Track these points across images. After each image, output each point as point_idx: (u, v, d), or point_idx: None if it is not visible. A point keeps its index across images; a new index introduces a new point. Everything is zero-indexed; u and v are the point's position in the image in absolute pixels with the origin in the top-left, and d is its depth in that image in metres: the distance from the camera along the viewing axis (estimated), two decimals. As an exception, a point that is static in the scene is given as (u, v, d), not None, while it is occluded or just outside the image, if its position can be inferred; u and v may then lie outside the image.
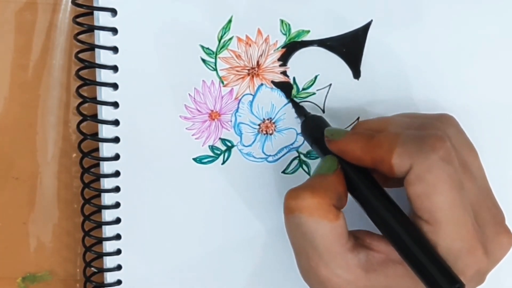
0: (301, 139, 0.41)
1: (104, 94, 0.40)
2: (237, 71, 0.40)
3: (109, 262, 0.42)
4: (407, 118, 0.36)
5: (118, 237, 0.42)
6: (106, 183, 0.41)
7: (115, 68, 0.39)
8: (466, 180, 0.34)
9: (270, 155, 0.42)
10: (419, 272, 0.33)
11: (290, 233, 0.35)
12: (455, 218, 0.32)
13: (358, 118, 0.41)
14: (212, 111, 0.41)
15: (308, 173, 0.42)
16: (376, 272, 0.34)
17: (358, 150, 0.35)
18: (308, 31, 0.40)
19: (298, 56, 0.40)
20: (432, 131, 0.34)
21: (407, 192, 0.33)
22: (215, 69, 0.40)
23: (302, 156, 0.42)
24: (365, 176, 0.36)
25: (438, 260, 0.33)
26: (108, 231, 0.42)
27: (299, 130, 0.41)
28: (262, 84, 0.41)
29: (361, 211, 0.35)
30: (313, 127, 0.39)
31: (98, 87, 0.40)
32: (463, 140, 0.36)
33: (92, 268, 0.42)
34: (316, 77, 0.41)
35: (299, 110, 0.41)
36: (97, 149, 0.41)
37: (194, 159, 0.41)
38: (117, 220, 0.41)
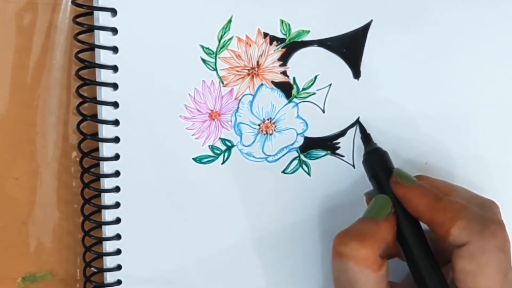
0: (300, 139, 0.41)
1: (104, 94, 0.40)
2: (237, 71, 0.40)
3: (109, 262, 0.42)
4: (468, 193, 0.38)
5: (118, 237, 0.42)
6: (106, 183, 0.41)
7: (115, 68, 0.39)
8: (509, 269, 0.35)
9: (270, 155, 0.42)
10: None
11: (335, 274, 0.37)
12: None
13: (358, 118, 0.41)
14: (212, 111, 0.41)
15: (308, 173, 0.42)
16: None
17: (422, 204, 0.36)
18: (308, 31, 0.40)
19: (298, 56, 0.40)
20: (495, 216, 0.36)
21: (453, 262, 0.35)
22: (215, 69, 0.40)
23: (302, 156, 0.42)
24: (416, 228, 0.37)
25: None
26: (108, 231, 0.42)
27: (299, 131, 0.41)
28: (262, 84, 0.41)
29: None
30: (377, 161, 0.39)
31: (98, 87, 0.40)
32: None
33: (92, 268, 0.42)
34: (316, 77, 0.41)
35: (367, 139, 0.41)
36: (97, 149, 0.41)
37: (194, 159, 0.41)
38: (117, 220, 0.41)
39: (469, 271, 0.34)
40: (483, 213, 0.36)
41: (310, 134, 0.41)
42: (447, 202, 0.36)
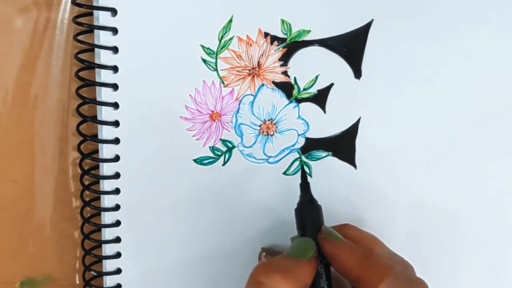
0: (302, 140, 0.41)
1: (104, 94, 0.39)
2: (238, 71, 0.40)
3: (108, 265, 0.42)
4: (388, 251, 0.38)
5: (117, 240, 0.41)
6: (106, 185, 0.41)
7: (115, 69, 0.39)
8: None
9: (271, 156, 0.41)
10: None
11: None
12: None
13: (359, 118, 0.41)
14: (212, 111, 0.40)
15: (309, 174, 0.41)
16: None
17: (351, 261, 0.36)
18: (309, 31, 0.40)
19: (299, 56, 0.40)
20: (418, 278, 0.36)
21: None
22: (216, 69, 0.40)
23: (303, 157, 0.41)
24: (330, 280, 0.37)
25: None
26: (107, 233, 0.41)
27: (300, 131, 0.41)
28: (263, 85, 0.40)
29: None
30: (309, 213, 0.38)
31: (98, 88, 0.40)
32: None
33: (92, 272, 0.42)
34: (317, 77, 0.41)
35: (306, 187, 0.39)
36: (97, 151, 0.41)
37: (195, 160, 0.41)
38: (117, 223, 0.41)
39: None
40: (408, 275, 0.36)
41: (311, 134, 0.41)
42: (375, 260, 0.36)
